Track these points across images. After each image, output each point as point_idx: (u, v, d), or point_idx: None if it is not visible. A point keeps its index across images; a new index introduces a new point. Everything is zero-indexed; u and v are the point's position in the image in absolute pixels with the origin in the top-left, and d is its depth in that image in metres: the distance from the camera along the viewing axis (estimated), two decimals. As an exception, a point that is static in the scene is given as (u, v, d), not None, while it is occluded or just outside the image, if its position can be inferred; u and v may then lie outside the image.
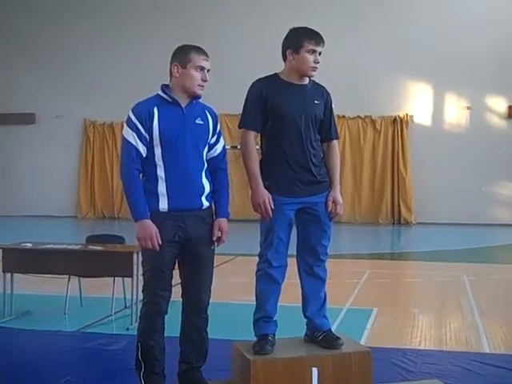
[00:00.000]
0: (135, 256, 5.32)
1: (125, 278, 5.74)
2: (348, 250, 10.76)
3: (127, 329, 5.31)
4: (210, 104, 3.55)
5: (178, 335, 3.51)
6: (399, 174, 15.95)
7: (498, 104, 15.61)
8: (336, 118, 3.75)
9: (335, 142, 3.67)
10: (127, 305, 5.85)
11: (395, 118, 16.01)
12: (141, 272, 3.54)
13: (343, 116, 15.56)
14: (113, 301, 5.77)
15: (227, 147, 3.63)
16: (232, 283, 7.25)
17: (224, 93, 12.69)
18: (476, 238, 13.64)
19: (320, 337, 3.52)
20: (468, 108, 15.75)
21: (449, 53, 15.35)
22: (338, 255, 8.96)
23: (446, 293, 7.34)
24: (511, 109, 15.44)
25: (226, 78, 14.11)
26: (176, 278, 3.45)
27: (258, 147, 3.55)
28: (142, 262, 3.44)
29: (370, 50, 15.71)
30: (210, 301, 3.51)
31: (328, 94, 3.64)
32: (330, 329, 3.59)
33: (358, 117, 16.08)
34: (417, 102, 16.01)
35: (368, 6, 15.88)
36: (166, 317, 3.40)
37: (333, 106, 3.66)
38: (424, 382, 3.93)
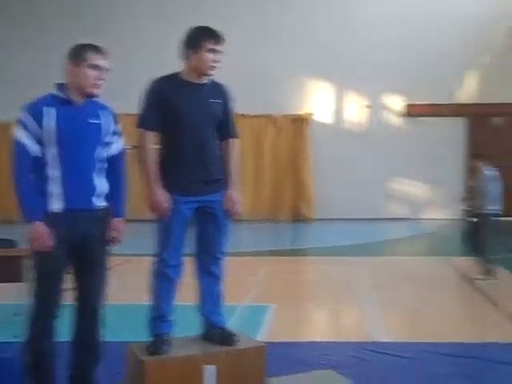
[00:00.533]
0: (26, 260, 5.10)
1: (15, 283, 5.48)
2: (248, 248, 10.84)
3: (14, 336, 5.07)
4: (109, 103, 3.48)
5: (70, 339, 3.42)
6: (300, 171, 16.25)
7: (396, 102, 16.23)
8: (236, 116, 3.75)
9: (234, 140, 3.69)
10: (17, 311, 5.59)
11: (296, 117, 16.31)
12: (32, 276, 3.41)
13: (243, 114, 15.65)
14: (1, 308, 5.50)
15: (126, 147, 3.57)
16: (128, 284, 7.11)
17: (125, 91, 12.40)
18: (374, 232, 14.10)
19: (216, 334, 3.54)
20: (368, 107, 16.28)
21: (348, 52, 15.75)
22: (238, 253, 9.02)
23: (343, 286, 7.55)
24: (409, 107, 16.05)
25: (128, 76, 13.80)
26: (70, 280, 3.36)
27: (156, 147, 3.53)
28: (33, 264, 3.33)
29: (270, 49, 15.89)
30: (105, 303, 3.45)
31: (228, 92, 3.66)
32: (225, 326, 3.62)
33: (259, 115, 16.24)
34: (317, 101, 16.33)
35: (268, 4, 16.08)
36: (57, 320, 3.30)
37: (233, 104, 3.68)
38: (317, 372, 4.02)
